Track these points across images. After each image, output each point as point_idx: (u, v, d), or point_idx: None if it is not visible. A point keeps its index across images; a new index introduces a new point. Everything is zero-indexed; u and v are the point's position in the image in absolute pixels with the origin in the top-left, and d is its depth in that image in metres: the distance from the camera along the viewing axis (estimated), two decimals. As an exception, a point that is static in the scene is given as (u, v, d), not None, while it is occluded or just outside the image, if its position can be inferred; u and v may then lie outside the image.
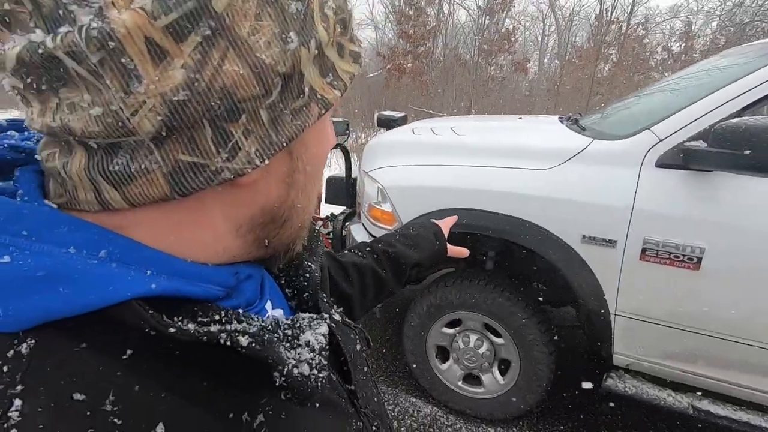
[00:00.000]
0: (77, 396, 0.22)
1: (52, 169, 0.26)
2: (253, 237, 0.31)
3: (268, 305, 0.36)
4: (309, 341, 0.31)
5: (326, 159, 0.36)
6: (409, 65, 9.97)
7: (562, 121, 2.26)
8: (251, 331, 0.27)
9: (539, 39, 15.26)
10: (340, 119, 2.47)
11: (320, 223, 2.82)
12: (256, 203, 0.30)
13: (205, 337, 0.25)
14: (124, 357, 0.24)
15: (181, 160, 0.24)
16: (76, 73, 0.21)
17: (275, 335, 0.29)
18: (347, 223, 2.40)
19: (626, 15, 11.05)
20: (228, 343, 0.26)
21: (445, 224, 0.81)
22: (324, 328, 0.33)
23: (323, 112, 0.29)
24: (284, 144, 0.27)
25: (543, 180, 1.60)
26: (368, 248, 0.69)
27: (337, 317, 0.41)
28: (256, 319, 0.29)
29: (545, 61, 15.63)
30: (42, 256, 0.23)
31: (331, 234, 2.52)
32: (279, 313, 0.38)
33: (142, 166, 0.24)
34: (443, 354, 2.00)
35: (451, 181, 1.75)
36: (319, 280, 0.43)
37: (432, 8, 11.15)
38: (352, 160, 2.71)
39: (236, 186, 0.27)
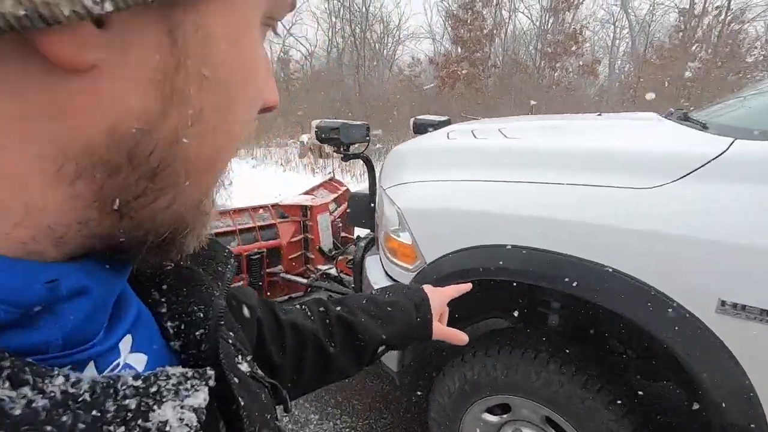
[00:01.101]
0: None
1: None
2: (90, 189, 0.17)
3: (125, 343, 0.23)
4: (166, 422, 0.18)
5: (251, 80, 0.21)
6: (464, 72, 9.39)
7: (665, 118, 1.62)
8: (27, 409, 0.14)
9: (609, 44, 14.11)
10: (359, 122, 1.99)
11: (351, 245, 2.45)
12: (97, 115, 0.16)
13: None
14: None
15: None
16: None
17: (92, 414, 0.16)
18: (368, 252, 1.91)
19: (723, 3, 9.64)
20: None
21: (444, 294, 0.61)
22: (200, 397, 0.20)
23: None
24: None
25: (646, 205, 0.99)
26: (322, 309, 0.52)
27: (244, 368, 0.31)
28: (60, 377, 0.16)
29: (616, 66, 14.41)
30: None
31: (351, 263, 2.09)
32: (140, 360, 0.24)
33: None
34: (485, 448, 1.41)
35: (497, 205, 1.19)
36: (222, 312, 0.29)
37: (489, 11, 10.53)
38: (377, 173, 2.25)
39: (53, 67, 0.14)
